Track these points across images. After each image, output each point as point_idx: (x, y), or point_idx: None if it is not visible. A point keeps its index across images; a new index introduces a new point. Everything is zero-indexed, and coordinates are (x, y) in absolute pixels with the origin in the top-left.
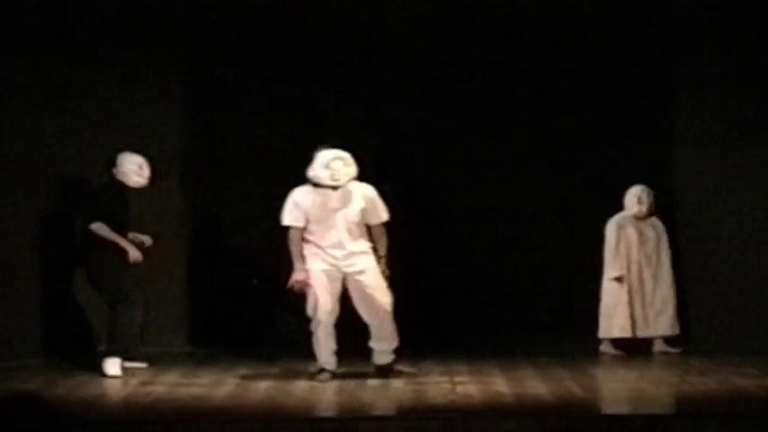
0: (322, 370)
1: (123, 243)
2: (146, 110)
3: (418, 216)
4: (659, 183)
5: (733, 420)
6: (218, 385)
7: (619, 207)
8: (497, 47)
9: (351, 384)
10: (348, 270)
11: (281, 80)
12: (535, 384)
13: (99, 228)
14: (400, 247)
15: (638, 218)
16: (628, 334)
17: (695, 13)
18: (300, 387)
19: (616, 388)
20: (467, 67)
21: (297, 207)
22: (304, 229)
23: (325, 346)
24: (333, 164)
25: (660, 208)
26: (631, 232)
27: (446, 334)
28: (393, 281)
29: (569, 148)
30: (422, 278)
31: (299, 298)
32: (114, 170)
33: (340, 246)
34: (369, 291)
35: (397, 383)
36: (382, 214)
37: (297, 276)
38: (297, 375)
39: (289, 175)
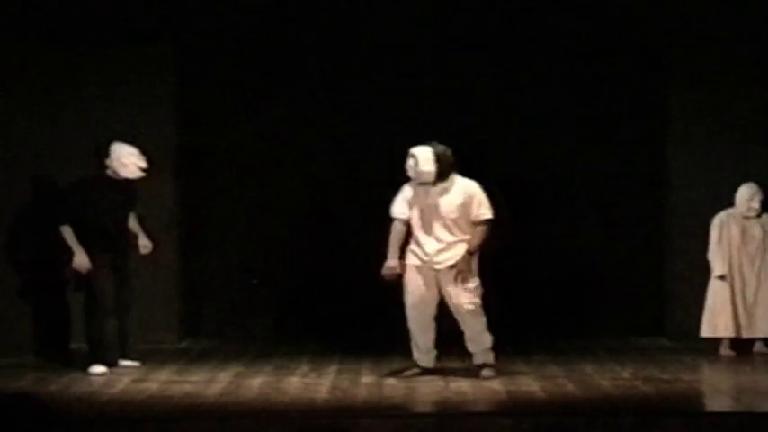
0: (414, 365)
1: (76, 249)
2: (138, 105)
3: None
4: (651, 180)
5: (725, 417)
6: (212, 382)
7: (611, 205)
8: (495, 46)
9: (344, 382)
10: (436, 267)
11: (278, 75)
12: (528, 382)
13: (64, 231)
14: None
15: (746, 216)
16: (731, 334)
17: (688, 11)
18: (294, 384)
19: (608, 385)
20: (443, 68)
21: (403, 199)
22: (409, 223)
23: (416, 340)
24: (408, 159)
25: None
26: (734, 230)
27: (439, 331)
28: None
29: (565, 145)
30: None
31: (389, 287)
32: (108, 161)
33: (434, 241)
34: (451, 290)
35: (390, 380)
36: (483, 211)
37: (387, 263)
38: (290, 372)
39: (285, 171)
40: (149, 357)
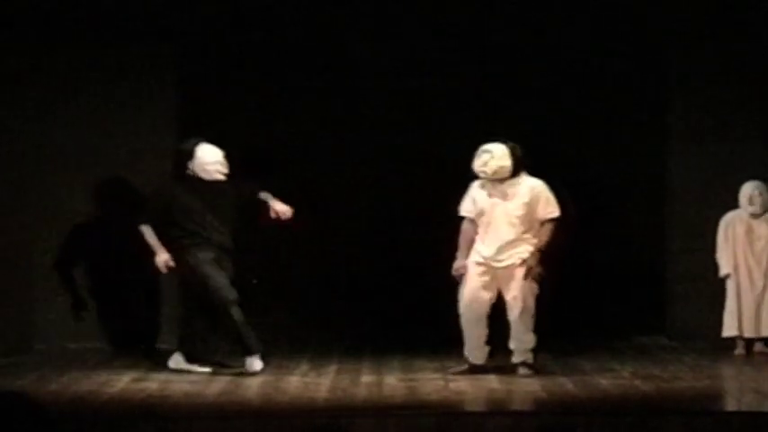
0: (464, 361)
1: (155, 248)
2: (138, 105)
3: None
4: (651, 180)
5: (725, 417)
6: (211, 382)
7: (611, 205)
8: (497, 45)
9: (344, 381)
10: (497, 265)
11: (278, 75)
12: (528, 381)
13: (144, 231)
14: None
15: (753, 215)
16: (734, 333)
17: (688, 10)
18: (293, 383)
19: (608, 384)
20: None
21: (470, 198)
22: (476, 222)
23: (468, 338)
24: (482, 155)
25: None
26: (739, 230)
27: (439, 329)
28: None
29: (564, 145)
30: (416, 275)
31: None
32: (190, 163)
33: (496, 239)
34: (513, 286)
35: (390, 380)
36: (550, 210)
37: (454, 265)
38: (290, 371)
39: (284, 171)
40: (149, 357)
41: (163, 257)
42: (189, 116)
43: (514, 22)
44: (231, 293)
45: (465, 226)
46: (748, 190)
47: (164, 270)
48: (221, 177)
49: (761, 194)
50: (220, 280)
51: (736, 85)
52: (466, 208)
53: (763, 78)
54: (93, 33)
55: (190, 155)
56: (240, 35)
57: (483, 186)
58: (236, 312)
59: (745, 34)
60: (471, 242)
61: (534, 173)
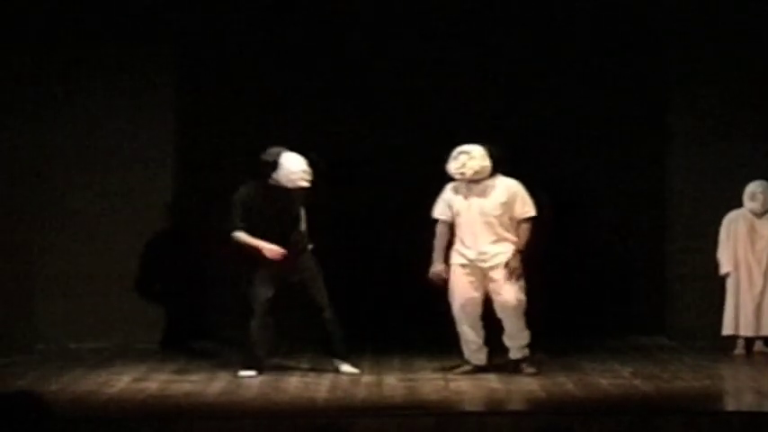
0: (466, 362)
1: (259, 244)
2: (138, 105)
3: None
4: (651, 180)
5: (725, 417)
6: (212, 381)
7: (611, 205)
8: (497, 45)
9: (344, 381)
10: (482, 265)
11: (278, 76)
12: (528, 381)
13: (239, 237)
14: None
15: (756, 214)
16: (731, 332)
17: (688, 10)
18: (294, 383)
19: (608, 384)
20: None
21: (444, 201)
22: (453, 224)
23: (466, 341)
24: (460, 157)
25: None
26: (741, 229)
27: (439, 329)
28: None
29: (564, 146)
30: (415, 275)
31: (439, 290)
32: (274, 173)
33: (477, 240)
34: (498, 287)
35: (390, 380)
36: (527, 209)
37: (432, 269)
38: (290, 371)
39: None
40: (149, 357)
41: (268, 246)
42: (189, 116)
43: (514, 22)
44: (260, 305)
45: (440, 229)
46: (752, 187)
47: (279, 257)
48: (305, 185)
49: (763, 192)
50: (261, 289)
51: (736, 85)
52: (440, 211)
53: (763, 78)
54: (93, 33)
55: (274, 165)
56: (240, 35)
57: (457, 189)
58: (256, 324)
59: (745, 34)
60: (447, 245)
61: (534, 172)
